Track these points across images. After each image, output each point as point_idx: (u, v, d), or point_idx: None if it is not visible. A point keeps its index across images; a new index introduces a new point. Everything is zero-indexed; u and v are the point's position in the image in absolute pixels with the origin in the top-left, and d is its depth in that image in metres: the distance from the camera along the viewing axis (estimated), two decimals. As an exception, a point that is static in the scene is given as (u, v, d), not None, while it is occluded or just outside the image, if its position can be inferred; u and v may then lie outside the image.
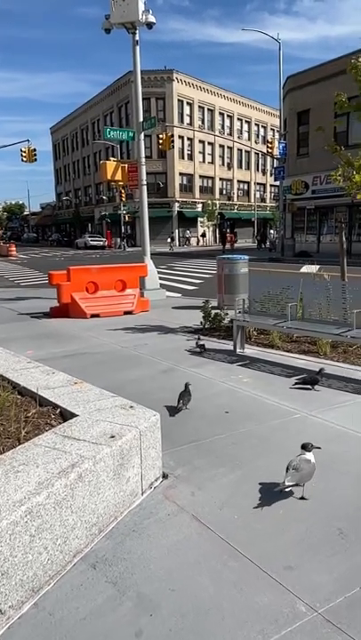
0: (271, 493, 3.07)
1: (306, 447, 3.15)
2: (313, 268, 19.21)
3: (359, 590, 2.25)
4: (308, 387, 5.22)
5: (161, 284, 13.52)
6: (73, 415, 3.37)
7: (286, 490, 3.01)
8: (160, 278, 13.88)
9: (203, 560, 2.50)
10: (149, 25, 12.14)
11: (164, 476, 3.34)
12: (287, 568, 2.41)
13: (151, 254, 13.55)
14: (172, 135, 31.69)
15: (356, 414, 4.46)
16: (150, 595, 2.28)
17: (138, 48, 12.51)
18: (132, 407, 3.50)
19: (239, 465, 3.50)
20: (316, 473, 3.27)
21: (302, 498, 3.03)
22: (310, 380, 5.27)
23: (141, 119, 12.95)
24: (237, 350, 6.75)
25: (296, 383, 5.31)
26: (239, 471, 3.41)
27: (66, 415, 3.45)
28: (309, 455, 3.10)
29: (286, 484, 2.93)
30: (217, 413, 4.52)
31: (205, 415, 4.49)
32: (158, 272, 13.79)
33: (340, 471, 3.38)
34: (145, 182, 13.19)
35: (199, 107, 56.09)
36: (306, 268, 20.11)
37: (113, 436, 2.96)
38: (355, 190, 7.10)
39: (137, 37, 12.38)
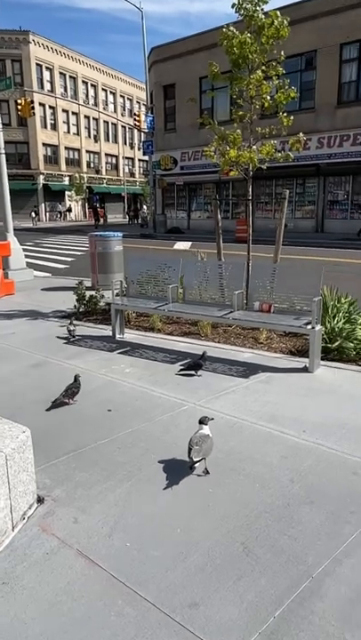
0: (167, 505, 2.72)
1: (203, 421, 3.26)
2: (186, 245, 19.32)
3: (273, 621, 1.99)
4: (193, 372, 4.98)
5: (28, 264, 12.46)
6: None
7: (193, 468, 3.10)
8: (26, 257, 12.80)
9: (93, 613, 2.06)
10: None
11: (40, 500, 2.81)
12: (192, 605, 2.08)
13: (14, 230, 12.37)
14: (32, 101, 29.29)
15: (243, 401, 4.29)
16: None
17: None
18: (-5, 422, 2.88)
19: (128, 475, 3.09)
20: (213, 477, 3.00)
21: (206, 471, 3.11)
22: (194, 364, 5.03)
23: (-4, 78, 11.56)
24: (117, 336, 6.29)
25: (181, 370, 5.04)
26: (128, 483, 3.01)
27: None
28: (206, 429, 3.22)
29: (194, 459, 3.02)
30: (99, 412, 4.06)
31: (86, 416, 4.00)
32: (24, 250, 12.69)
33: (237, 470, 3.14)
34: (3, 151, 11.88)
35: (60, 73, 53.02)
36: (179, 245, 20.14)
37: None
38: (228, 167, 6.93)
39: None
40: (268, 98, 6.48)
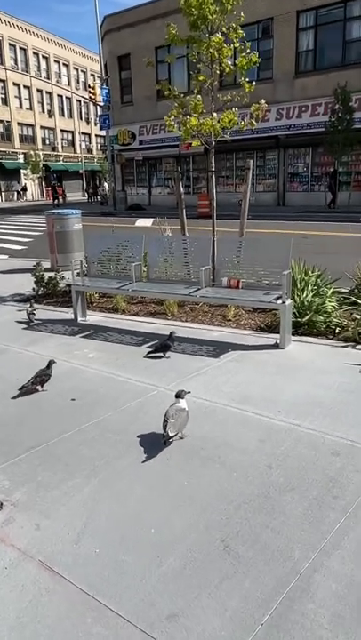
0: (139, 503, 2.51)
1: (179, 395, 3.25)
2: (148, 222, 18.88)
3: (261, 629, 1.81)
4: (161, 354, 4.75)
5: (-18, 246, 11.86)
6: None
7: (167, 443, 3.05)
8: (-19, 239, 12.18)
9: (60, 635, 1.83)
10: None
11: (-1, 507, 2.55)
12: (171, 617, 1.87)
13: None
14: (-19, 74, 27.88)
15: (214, 382, 4.09)
16: None
17: None
18: None
19: (95, 471, 2.85)
20: (188, 467, 2.80)
21: (181, 437, 3.14)
22: (162, 346, 4.79)
23: None
24: (79, 319, 5.97)
25: (148, 353, 4.79)
26: (96, 479, 2.77)
27: None
28: (183, 402, 3.20)
29: (170, 434, 3.00)
30: (62, 402, 3.78)
31: (48, 407, 3.72)
32: (-22, 232, 12.06)
33: (213, 458, 2.95)
34: None
35: (10, 44, 50.41)
36: (140, 222, 19.67)
37: None
38: (189, 137, 6.60)
39: None
40: (229, 63, 6.15)
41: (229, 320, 5.90)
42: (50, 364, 4.07)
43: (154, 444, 3.10)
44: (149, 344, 5.08)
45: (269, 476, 2.75)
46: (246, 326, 5.72)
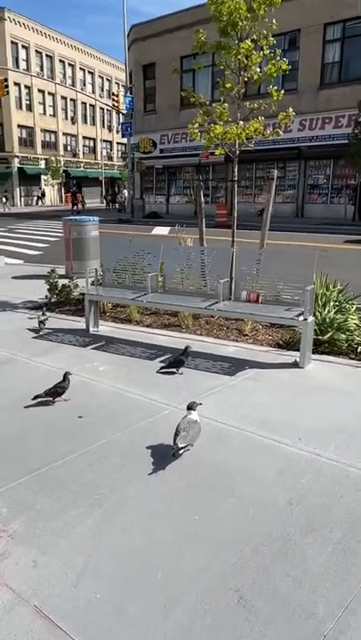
0: (146, 540, 2.29)
1: (191, 407, 3.18)
2: (164, 231, 18.75)
3: None
4: (174, 370, 4.53)
5: (-1, 250, 11.80)
6: None
7: (176, 456, 2.98)
8: (-2, 243, 12.13)
9: None
10: None
11: (-6, 537, 2.34)
12: None
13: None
14: (6, 80, 28.07)
15: (230, 403, 3.86)
16: None
17: None
18: None
19: (100, 500, 2.64)
20: (200, 500, 2.57)
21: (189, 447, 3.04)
22: (175, 361, 4.57)
23: None
24: (91, 329, 5.79)
25: (162, 368, 4.57)
26: (100, 510, 2.55)
27: None
28: (195, 415, 3.13)
29: (179, 445, 2.91)
30: (68, 420, 3.58)
31: (53, 424, 3.52)
32: (-5, 235, 12.01)
33: (227, 491, 2.71)
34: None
35: (36, 51, 51.08)
36: (157, 230, 19.56)
37: None
38: (213, 146, 6.41)
39: None
40: (258, 70, 5.97)
41: (246, 335, 5.68)
42: (65, 376, 3.90)
43: (164, 470, 2.89)
44: (162, 358, 4.87)
45: (289, 514, 2.51)
46: (264, 342, 5.48)
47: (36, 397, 3.80)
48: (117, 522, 2.45)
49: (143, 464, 2.96)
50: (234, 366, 4.68)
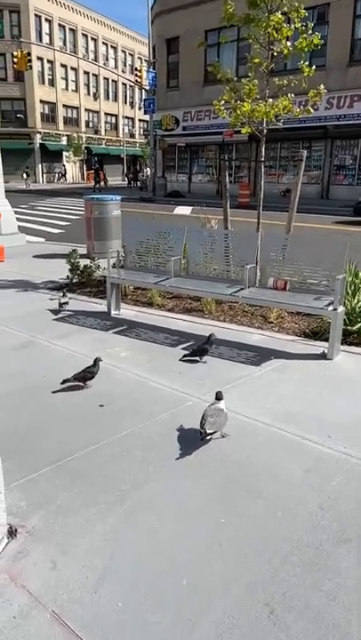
0: (169, 542, 2.18)
1: (219, 397, 3.14)
2: (186, 210, 18.47)
3: None
4: (197, 358, 4.40)
5: (20, 227, 11.70)
6: None
7: (204, 440, 2.98)
8: (19, 220, 12.03)
9: None
10: None
11: (12, 533, 2.26)
12: None
13: (6, 192, 11.55)
14: (29, 54, 27.69)
15: (255, 395, 3.72)
16: None
17: None
18: None
19: (122, 496, 2.54)
20: (226, 500, 2.45)
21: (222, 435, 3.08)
22: (199, 349, 4.43)
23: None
24: (112, 312, 5.67)
25: (184, 356, 4.44)
26: (122, 507, 2.45)
27: None
28: (222, 404, 3.10)
29: (208, 431, 2.92)
30: (89, 408, 3.48)
31: (73, 413, 3.43)
32: (18, 212, 11.92)
33: (254, 491, 2.59)
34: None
35: (60, 25, 50.25)
36: (179, 210, 19.27)
37: None
38: (239, 124, 6.15)
39: None
40: (288, 44, 5.66)
41: (271, 322, 5.50)
42: (96, 361, 3.83)
43: (188, 467, 2.77)
44: (184, 345, 4.74)
45: (320, 519, 2.38)
46: (290, 330, 5.30)
47: (64, 381, 3.73)
48: (140, 521, 2.35)
49: (166, 459, 2.85)
50: (259, 356, 4.53)
